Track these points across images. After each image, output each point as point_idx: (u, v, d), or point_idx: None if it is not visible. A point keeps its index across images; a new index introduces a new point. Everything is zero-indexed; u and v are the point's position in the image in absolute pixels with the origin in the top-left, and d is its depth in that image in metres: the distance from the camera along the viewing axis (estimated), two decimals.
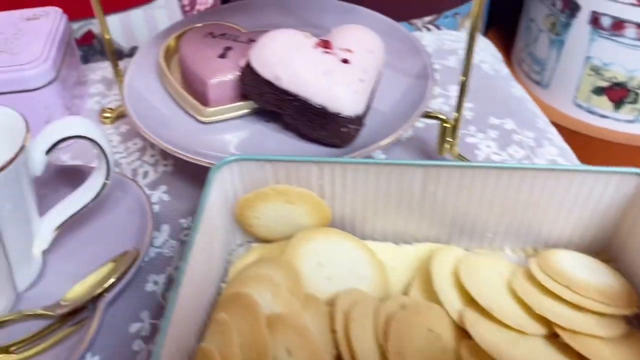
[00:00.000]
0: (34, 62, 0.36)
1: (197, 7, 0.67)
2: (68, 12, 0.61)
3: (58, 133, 0.26)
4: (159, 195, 0.36)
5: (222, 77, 0.33)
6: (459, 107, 0.34)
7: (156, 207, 0.35)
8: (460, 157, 0.36)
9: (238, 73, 0.33)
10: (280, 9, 0.41)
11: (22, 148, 0.25)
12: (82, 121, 0.27)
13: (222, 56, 0.34)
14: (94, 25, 0.64)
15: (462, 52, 0.49)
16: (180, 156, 0.31)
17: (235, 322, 0.24)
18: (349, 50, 0.31)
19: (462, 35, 0.52)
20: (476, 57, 0.48)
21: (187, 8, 0.68)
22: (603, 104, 0.63)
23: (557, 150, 0.40)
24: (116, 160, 0.38)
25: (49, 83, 0.37)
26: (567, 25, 0.61)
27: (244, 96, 0.34)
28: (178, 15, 0.68)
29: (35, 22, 0.40)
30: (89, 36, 0.65)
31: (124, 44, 0.66)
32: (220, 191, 0.28)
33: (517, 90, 0.46)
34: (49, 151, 0.26)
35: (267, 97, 0.31)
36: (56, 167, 0.32)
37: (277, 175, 0.28)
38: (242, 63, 0.33)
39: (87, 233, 0.31)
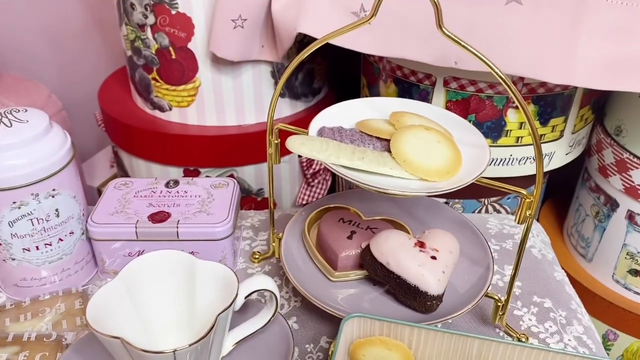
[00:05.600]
0: (222, 222, 0.53)
1: (313, 166, 0.86)
2: (222, 163, 0.80)
3: (254, 286, 0.42)
4: (291, 324, 0.51)
5: (349, 252, 0.49)
6: (509, 292, 0.47)
7: None
8: (507, 327, 0.49)
9: (359, 251, 0.49)
10: (387, 200, 0.57)
11: (236, 295, 0.41)
12: (268, 279, 0.43)
13: (349, 237, 0.50)
14: (235, 171, 0.83)
15: (518, 237, 0.63)
16: (317, 305, 0.46)
17: None
18: (436, 250, 0.46)
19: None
20: (528, 242, 0.62)
21: (305, 165, 0.86)
22: (638, 283, 0.74)
23: (583, 329, 0.52)
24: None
25: (228, 236, 0.54)
26: (608, 216, 0.74)
27: (360, 266, 0.49)
28: (297, 169, 0.87)
29: (221, 190, 0.58)
30: (232, 176, 0.83)
31: (253, 185, 0.85)
32: (345, 334, 0.42)
33: (559, 274, 0.59)
34: (247, 297, 0.42)
35: (378, 272, 0.47)
36: None
37: (382, 329, 0.43)
38: (363, 245, 0.49)
39: (250, 347, 0.46)
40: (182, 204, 0.56)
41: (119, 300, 0.42)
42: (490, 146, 0.69)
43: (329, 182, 0.92)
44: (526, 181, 0.74)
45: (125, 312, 0.42)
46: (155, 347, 0.43)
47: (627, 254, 0.73)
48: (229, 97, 0.79)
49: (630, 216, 0.71)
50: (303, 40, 0.79)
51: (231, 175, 0.83)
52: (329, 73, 0.91)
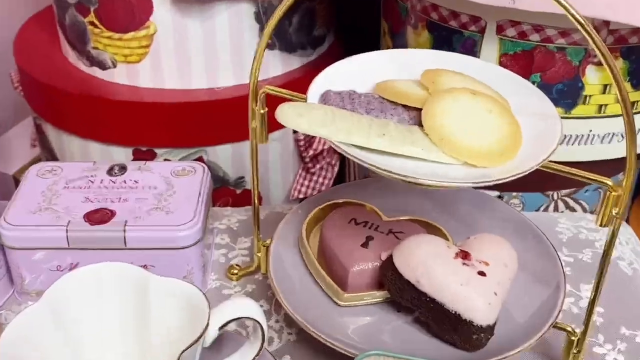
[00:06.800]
0: (187, 224, 0.53)
1: (314, 146, 0.86)
2: (187, 141, 0.81)
3: (232, 313, 0.42)
4: None
5: (363, 266, 0.49)
6: (587, 322, 0.48)
7: None
8: None
9: (377, 264, 0.49)
10: (417, 194, 0.57)
11: (206, 326, 0.41)
12: (250, 304, 0.43)
13: (364, 245, 0.50)
14: (204, 153, 0.83)
15: (599, 246, 0.63)
16: (319, 339, 0.46)
17: None
18: (485, 263, 0.46)
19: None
20: (614, 253, 0.62)
21: (303, 145, 0.86)
22: None
23: None
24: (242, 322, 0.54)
25: (195, 243, 0.54)
26: None
27: (380, 285, 0.49)
28: (291, 149, 0.87)
29: (185, 179, 0.58)
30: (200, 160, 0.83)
31: (230, 173, 0.86)
32: None
33: None
34: (221, 328, 0.42)
35: (405, 294, 0.47)
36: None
37: None
38: (384, 257, 0.49)
39: None
40: (132, 198, 0.56)
41: (44, 331, 0.42)
42: (562, 117, 0.69)
43: (336, 169, 0.92)
44: (612, 167, 0.74)
45: (54, 347, 0.42)
46: None
47: None
48: (197, 50, 0.79)
49: None
50: None
51: (199, 159, 0.83)
52: (335, 16, 0.91)
